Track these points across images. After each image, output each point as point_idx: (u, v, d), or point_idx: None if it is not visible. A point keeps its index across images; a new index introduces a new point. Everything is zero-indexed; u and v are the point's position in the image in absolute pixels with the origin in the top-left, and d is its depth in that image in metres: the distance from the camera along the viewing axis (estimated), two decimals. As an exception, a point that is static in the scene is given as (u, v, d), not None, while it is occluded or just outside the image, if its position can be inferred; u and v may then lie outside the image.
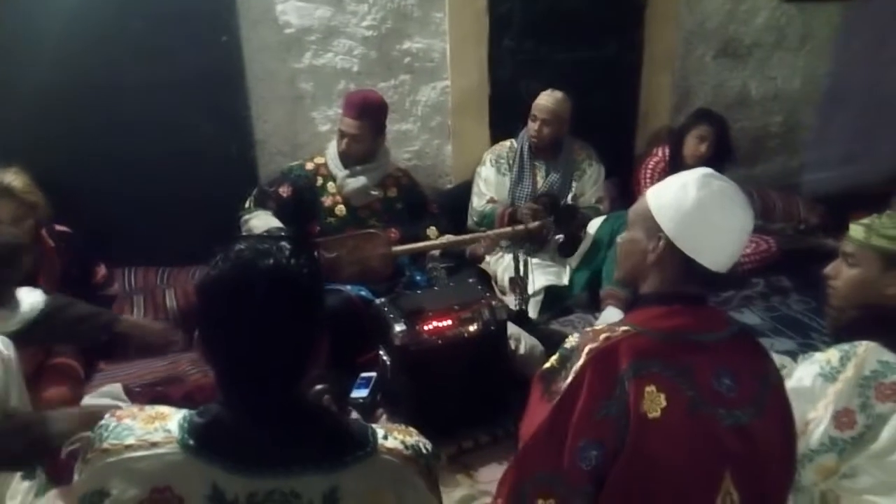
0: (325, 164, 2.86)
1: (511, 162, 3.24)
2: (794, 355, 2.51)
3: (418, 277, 2.74)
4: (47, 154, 2.65)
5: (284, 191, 2.80)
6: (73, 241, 2.50)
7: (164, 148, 2.91)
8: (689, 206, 1.24)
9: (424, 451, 1.08)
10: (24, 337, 1.99)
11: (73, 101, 2.75)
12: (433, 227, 2.92)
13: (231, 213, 2.83)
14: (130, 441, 0.97)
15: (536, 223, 2.85)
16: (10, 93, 2.69)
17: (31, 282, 2.36)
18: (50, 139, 2.74)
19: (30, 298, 2.10)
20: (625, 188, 3.62)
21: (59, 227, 2.48)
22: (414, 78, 3.34)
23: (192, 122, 2.99)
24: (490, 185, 3.26)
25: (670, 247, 1.26)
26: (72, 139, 2.79)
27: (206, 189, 2.94)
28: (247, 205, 2.80)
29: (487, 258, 3.11)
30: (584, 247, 3.10)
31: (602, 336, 1.22)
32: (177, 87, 2.88)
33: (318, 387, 1.40)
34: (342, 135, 2.79)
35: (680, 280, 1.27)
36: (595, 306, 2.99)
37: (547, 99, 3.13)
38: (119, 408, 1.30)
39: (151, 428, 0.98)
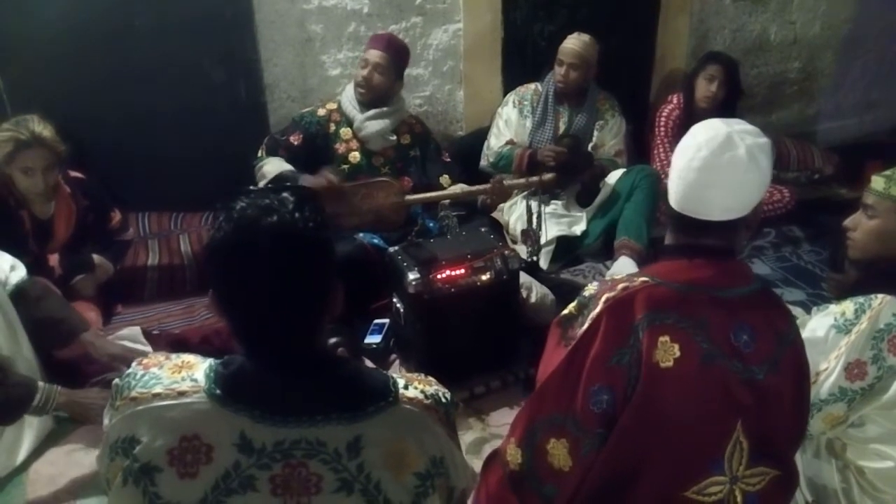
0: (339, 110, 2.82)
1: (534, 105, 3.15)
2: (803, 306, 2.53)
3: (431, 225, 2.73)
4: (60, 100, 2.63)
5: (295, 139, 2.76)
6: (87, 186, 2.48)
7: (174, 92, 2.88)
8: (679, 170, 1.25)
9: (443, 400, 1.09)
10: None
11: (84, 46, 2.71)
12: (446, 176, 2.90)
13: (242, 157, 2.80)
14: (158, 390, 0.98)
15: (550, 176, 2.81)
16: (23, 40, 2.65)
17: (48, 229, 2.38)
18: (62, 85, 2.72)
19: (15, 272, 1.98)
20: (638, 135, 3.56)
21: (72, 173, 2.45)
22: (426, 20, 3.26)
23: (202, 66, 2.95)
24: (511, 126, 3.17)
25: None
26: (83, 84, 2.76)
27: (216, 134, 2.92)
28: (259, 154, 2.78)
29: (500, 205, 3.08)
30: (601, 196, 3.08)
31: (620, 286, 1.23)
32: (186, 30, 2.84)
33: (333, 340, 1.40)
34: (365, 64, 2.73)
35: (683, 232, 1.28)
36: (607, 255, 3.00)
37: (574, 42, 3.02)
38: (142, 354, 1.33)
39: (178, 377, 0.99)
